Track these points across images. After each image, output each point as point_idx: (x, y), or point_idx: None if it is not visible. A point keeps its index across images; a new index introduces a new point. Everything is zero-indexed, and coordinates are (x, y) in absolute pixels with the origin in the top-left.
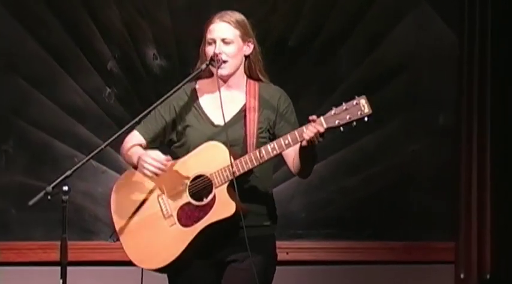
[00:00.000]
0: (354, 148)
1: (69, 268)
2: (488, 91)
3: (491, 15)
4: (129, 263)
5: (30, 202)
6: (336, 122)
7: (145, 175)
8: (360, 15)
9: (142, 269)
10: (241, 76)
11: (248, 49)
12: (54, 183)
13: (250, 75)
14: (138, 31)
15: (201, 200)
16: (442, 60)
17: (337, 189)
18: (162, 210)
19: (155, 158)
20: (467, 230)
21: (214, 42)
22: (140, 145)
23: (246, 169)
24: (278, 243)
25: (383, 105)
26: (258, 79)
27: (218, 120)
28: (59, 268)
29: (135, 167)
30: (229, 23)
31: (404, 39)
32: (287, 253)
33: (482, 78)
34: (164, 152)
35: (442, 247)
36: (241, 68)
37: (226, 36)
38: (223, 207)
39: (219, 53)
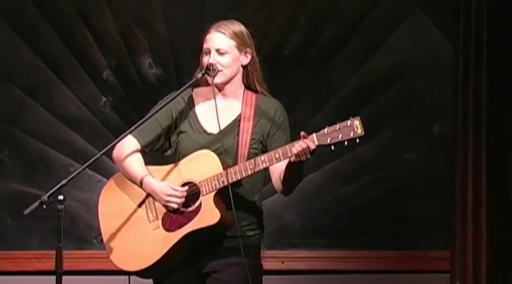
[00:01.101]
0: (349, 157)
1: (64, 278)
2: (484, 99)
3: (486, 24)
4: (125, 272)
5: (26, 211)
6: (328, 140)
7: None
8: (355, 24)
9: (129, 277)
10: (238, 86)
11: (245, 59)
12: (50, 192)
13: (248, 85)
14: (133, 40)
15: (188, 206)
16: (437, 69)
17: (333, 197)
18: (147, 213)
19: (176, 194)
20: (462, 240)
21: (210, 52)
22: (137, 151)
23: (234, 180)
24: (273, 252)
25: (378, 114)
26: (256, 90)
27: (211, 129)
28: (54, 277)
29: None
30: (224, 33)
31: (399, 48)
32: (282, 263)
33: (477, 87)
34: (157, 158)
35: (438, 256)
36: (239, 78)
37: (220, 47)
38: (208, 215)
39: (214, 63)
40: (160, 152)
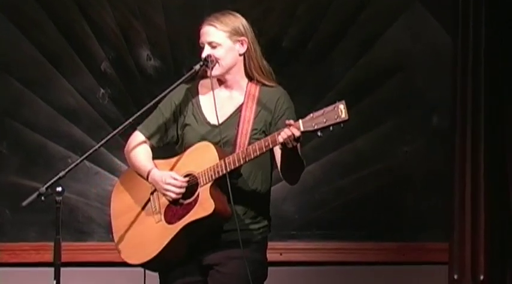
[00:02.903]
0: (347, 149)
1: (62, 269)
2: (482, 92)
3: (484, 17)
4: (123, 264)
5: (24, 203)
6: (313, 126)
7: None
8: (354, 17)
9: (144, 270)
10: (240, 76)
11: (241, 48)
12: (48, 184)
13: (247, 74)
14: (132, 32)
15: (189, 198)
16: (436, 61)
17: (331, 189)
18: (151, 206)
19: (175, 184)
20: (461, 231)
21: (204, 45)
22: (146, 146)
23: (229, 170)
24: (272, 244)
25: (377, 106)
26: (257, 79)
27: (214, 120)
28: (52, 269)
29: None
30: (214, 26)
31: (398, 41)
32: (281, 254)
33: (476, 79)
34: (165, 152)
35: (436, 248)
36: (239, 68)
37: (212, 40)
38: (203, 206)
39: (211, 55)
40: (170, 146)
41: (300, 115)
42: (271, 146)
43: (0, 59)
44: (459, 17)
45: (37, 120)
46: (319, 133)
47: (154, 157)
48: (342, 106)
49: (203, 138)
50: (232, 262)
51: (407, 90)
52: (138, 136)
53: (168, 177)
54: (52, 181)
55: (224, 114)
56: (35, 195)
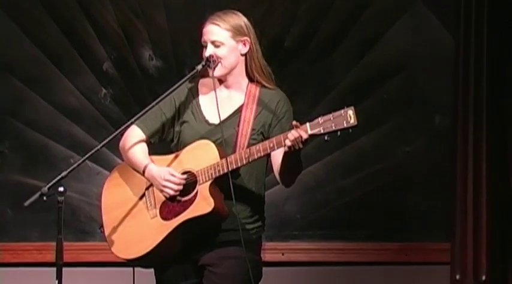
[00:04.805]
0: (349, 149)
1: (64, 269)
2: (484, 91)
3: (487, 16)
4: (125, 264)
5: (26, 203)
6: (321, 130)
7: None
8: (355, 16)
9: (133, 269)
10: (241, 77)
11: (244, 48)
12: (50, 184)
13: (248, 74)
14: (133, 32)
15: (186, 196)
16: (437, 61)
17: (333, 189)
18: (146, 202)
19: (174, 181)
20: (463, 232)
21: (207, 45)
22: (142, 141)
23: (230, 169)
24: (274, 244)
25: (378, 106)
26: (257, 80)
27: (213, 119)
28: (54, 269)
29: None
30: (218, 25)
31: (400, 40)
32: (282, 254)
33: (478, 79)
34: (161, 149)
35: (438, 248)
36: (240, 68)
37: (215, 39)
38: (202, 204)
39: (214, 54)
40: (165, 143)
41: (300, 116)
42: (276, 148)
43: (2, 58)
44: (461, 16)
45: (39, 119)
46: (326, 137)
47: (149, 154)
48: (350, 112)
49: (201, 137)
50: (226, 262)
51: (409, 89)
52: (135, 131)
53: (167, 173)
54: (54, 181)
55: (223, 113)
56: (37, 195)
